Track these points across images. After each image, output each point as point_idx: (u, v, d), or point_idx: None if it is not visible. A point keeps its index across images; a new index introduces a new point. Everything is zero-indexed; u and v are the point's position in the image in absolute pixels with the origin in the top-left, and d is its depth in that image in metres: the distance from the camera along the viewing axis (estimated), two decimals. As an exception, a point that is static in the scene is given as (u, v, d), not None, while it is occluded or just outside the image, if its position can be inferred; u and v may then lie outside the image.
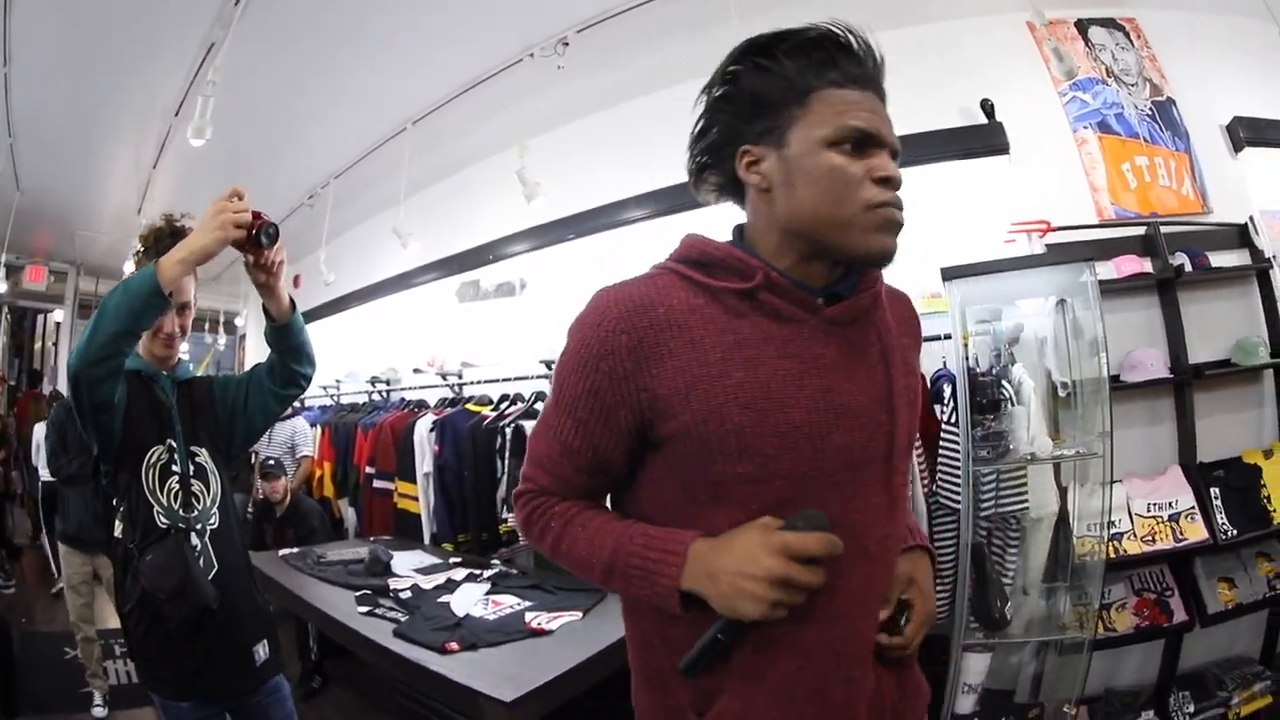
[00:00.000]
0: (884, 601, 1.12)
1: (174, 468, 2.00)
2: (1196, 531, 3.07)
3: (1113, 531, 3.04)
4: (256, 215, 1.75)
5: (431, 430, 4.58)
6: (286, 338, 2.05)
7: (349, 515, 5.65)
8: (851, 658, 1.06)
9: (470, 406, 4.63)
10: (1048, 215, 3.30)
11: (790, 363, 1.01)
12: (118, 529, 2.01)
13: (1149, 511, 3.14)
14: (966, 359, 2.99)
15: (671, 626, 1.07)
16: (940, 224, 3.11)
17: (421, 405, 5.29)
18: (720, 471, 1.00)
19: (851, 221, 0.99)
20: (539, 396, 4.38)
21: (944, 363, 3.18)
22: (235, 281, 7.88)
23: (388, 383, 6.05)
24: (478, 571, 3.53)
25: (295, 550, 4.11)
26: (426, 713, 2.44)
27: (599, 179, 4.46)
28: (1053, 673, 3.19)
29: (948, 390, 3.09)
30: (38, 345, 10.54)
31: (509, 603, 3.01)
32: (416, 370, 5.53)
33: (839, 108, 0.99)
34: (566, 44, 3.88)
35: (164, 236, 1.96)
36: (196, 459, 2.06)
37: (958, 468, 2.92)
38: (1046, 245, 3.28)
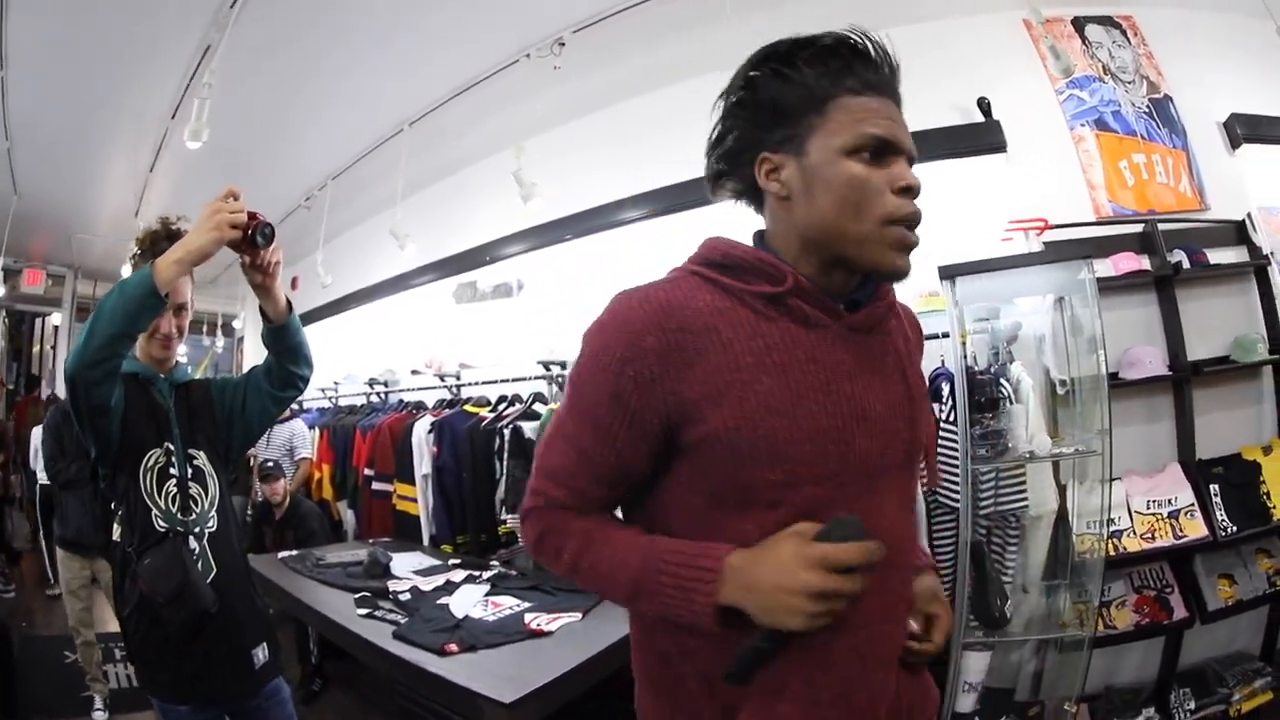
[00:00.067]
0: (911, 611, 1.16)
1: (172, 471, 2.00)
2: (1196, 528, 3.07)
3: (1112, 529, 3.04)
4: (252, 216, 1.75)
5: (430, 432, 4.57)
6: (283, 339, 2.05)
7: (348, 517, 5.65)
8: (875, 661, 1.06)
9: (468, 408, 4.63)
10: (1045, 213, 3.30)
11: (817, 368, 1.00)
12: (116, 532, 2.00)
13: (1148, 509, 3.14)
14: (965, 357, 2.99)
15: (691, 635, 1.04)
16: (937, 222, 3.09)
17: (420, 407, 5.28)
18: (750, 477, 0.98)
19: (868, 236, 0.99)
20: (537, 397, 4.37)
21: (942, 361, 3.17)
22: (233, 284, 7.88)
23: (386, 384, 6.05)
24: (477, 573, 3.53)
25: (294, 553, 4.11)
26: (426, 714, 2.44)
27: (596, 179, 4.47)
28: (1053, 670, 3.19)
29: (946, 389, 3.08)
30: (36, 349, 10.53)
31: (508, 604, 3.01)
32: (414, 372, 5.52)
33: (857, 115, 0.99)
34: (562, 44, 3.88)
35: (160, 239, 1.94)
36: (194, 462, 2.06)
37: (956, 466, 2.92)
38: (1044, 243, 3.28)
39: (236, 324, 9.55)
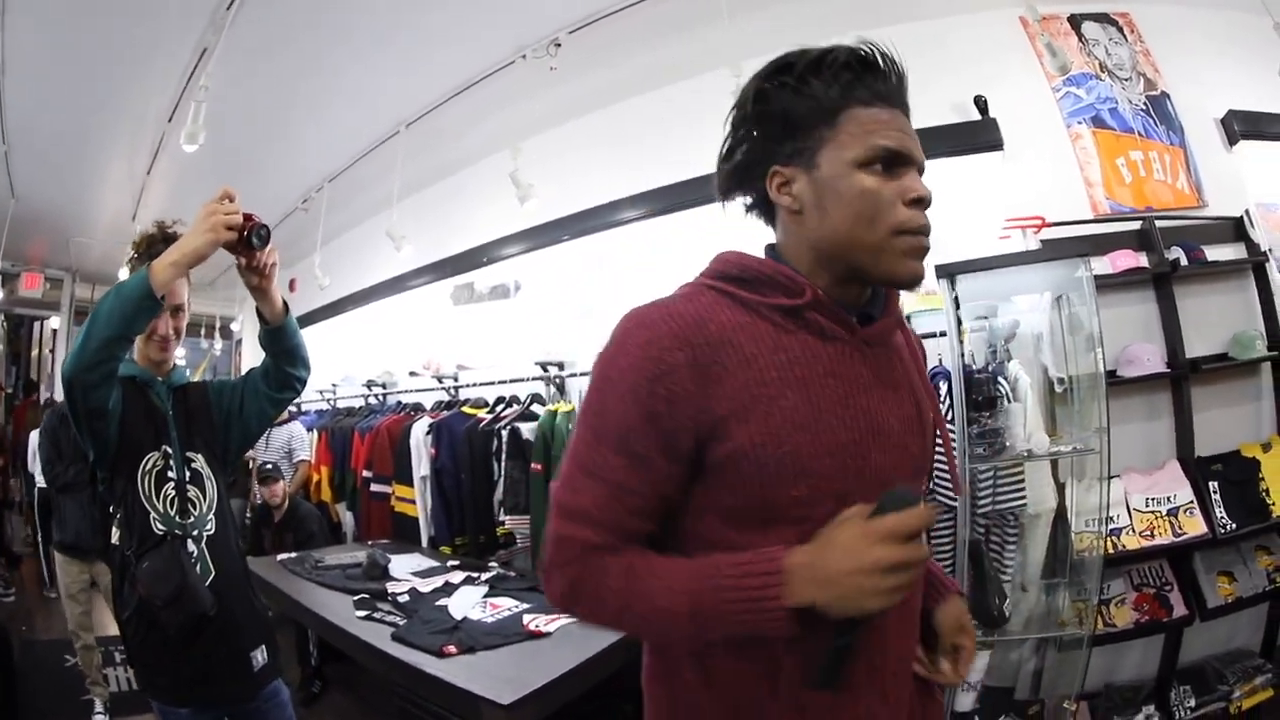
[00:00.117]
0: (939, 643, 1.17)
1: (170, 474, 2.01)
2: (1195, 525, 3.07)
3: (1111, 527, 3.03)
4: (248, 217, 1.76)
5: (428, 433, 4.57)
6: (280, 340, 2.05)
7: (347, 519, 5.66)
8: (890, 673, 1.06)
9: (466, 409, 4.63)
10: (1042, 211, 3.30)
11: (836, 382, 1.00)
12: (115, 536, 2.01)
13: (1147, 506, 3.13)
14: (962, 356, 2.99)
15: (726, 659, 1.02)
16: (935, 221, 3.09)
17: (418, 408, 5.28)
18: (776, 494, 0.96)
19: (881, 246, 0.99)
20: (535, 398, 4.38)
21: (939, 360, 3.16)
22: (231, 286, 7.85)
23: (384, 386, 6.05)
24: (475, 574, 3.53)
25: (293, 555, 4.10)
26: (425, 716, 2.44)
27: (593, 179, 4.46)
28: (1052, 669, 3.19)
29: (944, 388, 3.08)
30: (35, 352, 10.53)
31: (507, 605, 3.02)
32: (412, 373, 5.52)
33: (868, 127, 0.99)
34: (559, 45, 3.87)
35: (156, 242, 1.96)
36: (192, 465, 2.06)
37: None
38: (1041, 241, 3.27)
39: (235, 326, 9.54)
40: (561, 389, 4.37)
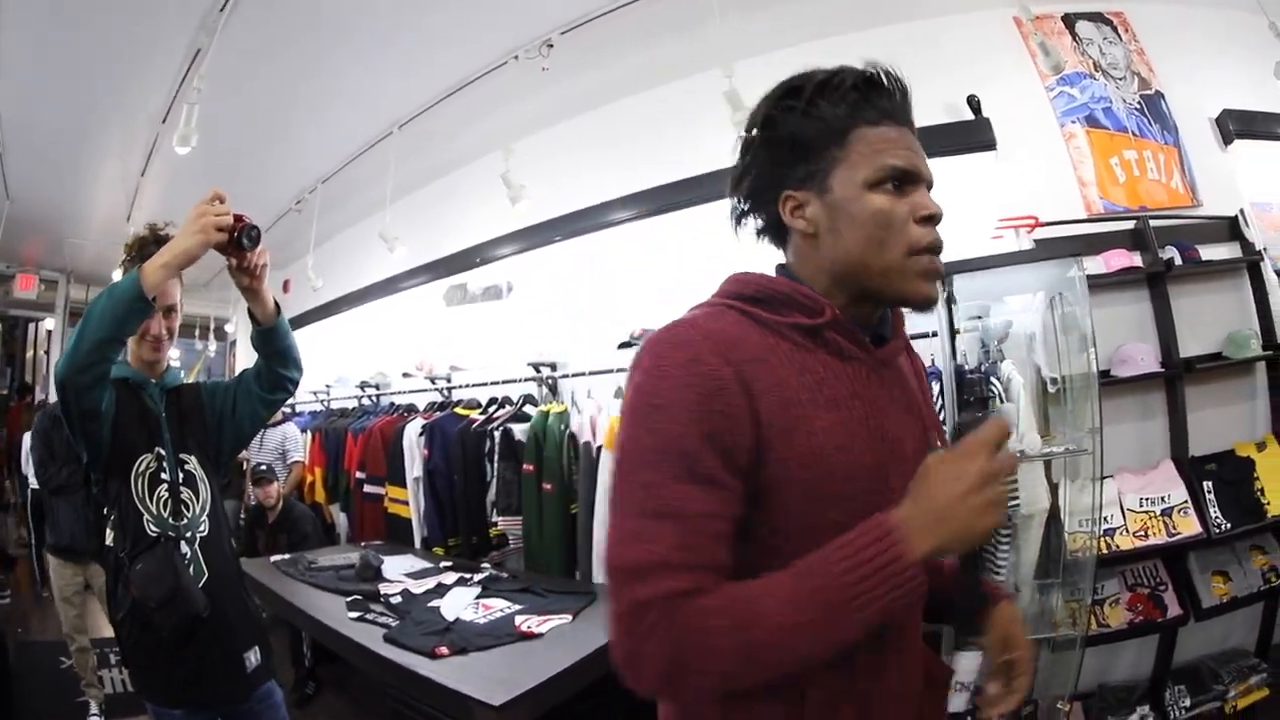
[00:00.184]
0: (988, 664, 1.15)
1: (163, 476, 2.02)
2: (1189, 525, 3.07)
3: (1105, 527, 3.04)
4: (238, 218, 1.78)
5: (421, 434, 4.56)
6: (272, 341, 2.07)
7: (341, 520, 5.65)
8: (906, 678, 1.08)
9: (459, 410, 4.62)
10: (1036, 210, 3.29)
11: (860, 403, 1.00)
12: (109, 537, 2.02)
13: (1141, 506, 3.13)
14: (954, 356, 2.98)
15: (764, 698, 0.97)
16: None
17: (411, 409, 5.27)
18: (815, 519, 0.94)
19: (894, 267, 0.99)
20: (527, 399, 4.37)
21: (932, 360, 3.16)
22: (225, 287, 7.83)
23: (377, 387, 6.05)
24: (468, 575, 3.54)
25: (287, 556, 4.11)
26: (418, 717, 2.45)
27: (585, 180, 4.46)
28: (1046, 669, 3.17)
29: (935, 388, 3.08)
30: (29, 354, 10.53)
31: (499, 606, 3.01)
32: (406, 374, 5.51)
33: (877, 146, 1.00)
34: (551, 46, 3.86)
35: (148, 244, 1.98)
36: (185, 466, 2.08)
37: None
38: (1035, 241, 3.27)
39: (229, 328, 9.57)
40: (554, 390, 4.36)
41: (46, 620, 5.38)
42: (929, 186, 1.03)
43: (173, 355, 2.23)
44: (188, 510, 2.04)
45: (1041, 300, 3.21)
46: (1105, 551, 3.02)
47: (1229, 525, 3.07)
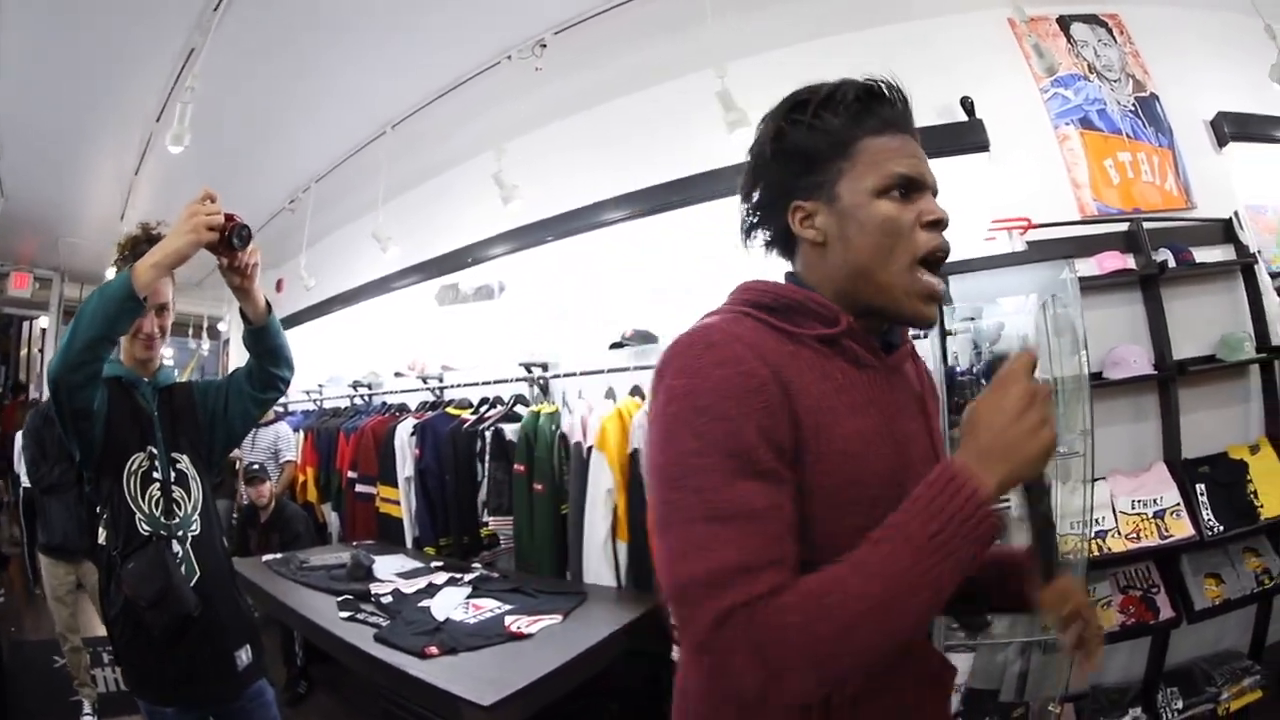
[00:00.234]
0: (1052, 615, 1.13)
1: (155, 474, 2.03)
2: (1182, 528, 3.06)
3: (1097, 529, 3.04)
4: (229, 218, 1.79)
5: (412, 434, 4.57)
6: (263, 340, 2.08)
7: (332, 520, 5.64)
8: (920, 678, 1.10)
9: (450, 410, 4.63)
10: (1029, 212, 3.29)
11: (877, 410, 1.02)
12: (101, 536, 2.04)
13: (1133, 509, 3.13)
14: (945, 359, 2.98)
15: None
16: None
17: (402, 409, 5.28)
18: (838, 524, 0.93)
19: (897, 284, 1.01)
20: (518, 399, 4.37)
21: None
22: (218, 286, 7.82)
23: (369, 387, 6.05)
24: (459, 575, 3.54)
25: (278, 555, 4.10)
26: (408, 717, 2.45)
27: (577, 181, 4.46)
28: (1037, 671, 3.17)
29: (931, 389, 3.07)
30: (23, 352, 10.51)
31: (489, 606, 3.01)
32: (398, 374, 5.52)
33: (882, 155, 1.01)
34: (544, 46, 3.86)
35: (140, 243, 1.98)
36: (177, 465, 2.09)
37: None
38: (1028, 243, 3.27)
39: (222, 326, 9.54)
40: (545, 390, 4.35)
41: (40, 619, 5.36)
42: (934, 193, 1.05)
43: (166, 354, 2.24)
44: (180, 509, 2.04)
45: (1034, 302, 3.20)
46: (1097, 554, 3.02)
47: (1222, 528, 3.06)
